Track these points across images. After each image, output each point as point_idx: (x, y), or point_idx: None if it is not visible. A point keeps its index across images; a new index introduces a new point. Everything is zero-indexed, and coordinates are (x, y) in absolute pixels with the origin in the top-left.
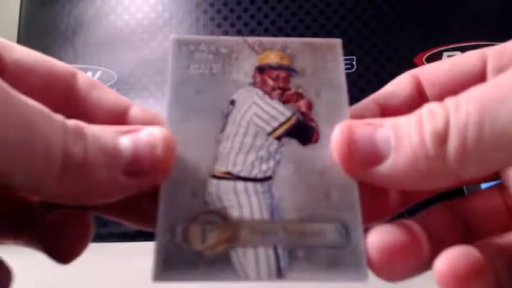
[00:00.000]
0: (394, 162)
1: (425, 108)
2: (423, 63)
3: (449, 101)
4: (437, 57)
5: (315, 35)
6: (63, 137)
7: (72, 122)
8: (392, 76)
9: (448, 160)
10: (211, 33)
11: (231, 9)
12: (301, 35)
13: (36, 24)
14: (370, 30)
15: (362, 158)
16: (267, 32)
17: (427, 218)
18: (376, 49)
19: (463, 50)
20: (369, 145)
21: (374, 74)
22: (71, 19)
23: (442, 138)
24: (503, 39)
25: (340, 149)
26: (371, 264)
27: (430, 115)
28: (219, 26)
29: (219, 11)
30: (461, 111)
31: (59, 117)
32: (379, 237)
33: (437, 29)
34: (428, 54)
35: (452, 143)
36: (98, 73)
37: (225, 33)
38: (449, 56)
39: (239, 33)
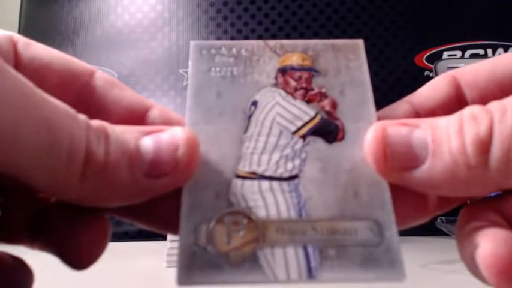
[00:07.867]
0: (431, 168)
1: (467, 112)
2: (423, 63)
3: (494, 105)
4: (437, 57)
5: (315, 34)
6: (86, 137)
7: (96, 122)
8: (392, 76)
9: (489, 169)
10: (212, 33)
11: (231, 9)
12: (302, 35)
13: (36, 24)
14: (370, 29)
15: (397, 162)
16: (267, 32)
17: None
18: (376, 49)
19: (463, 50)
20: (404, 149)
21: (374, 73)
22: (70, 19)
23: (484, 146)
24: (503, 39)
25: (374, 152)
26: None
27: (472, 120)
28: (219, 25)
29: (219, 11)
30: (507, 118)
31: (82, 117)
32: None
33: (437, 29)
34: (428, 54)
35: (496, 152)
36: None
37: (225, 32)
38: (449, 55)
39: (239, 32)
